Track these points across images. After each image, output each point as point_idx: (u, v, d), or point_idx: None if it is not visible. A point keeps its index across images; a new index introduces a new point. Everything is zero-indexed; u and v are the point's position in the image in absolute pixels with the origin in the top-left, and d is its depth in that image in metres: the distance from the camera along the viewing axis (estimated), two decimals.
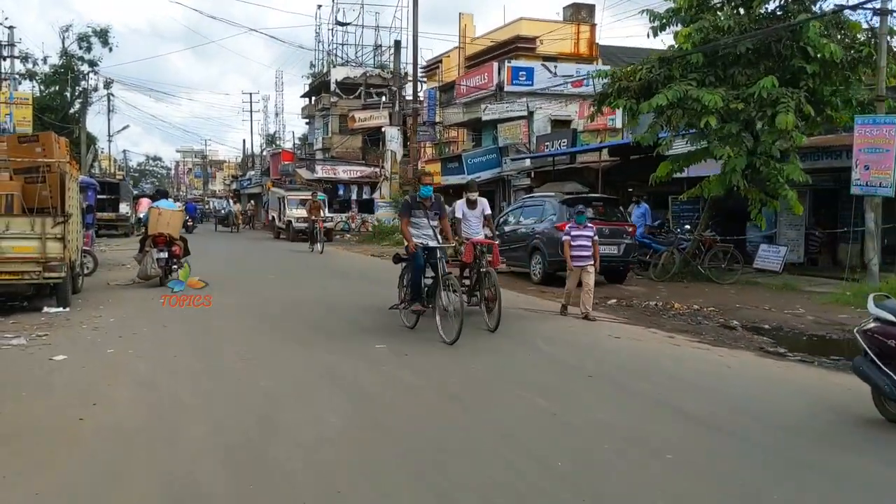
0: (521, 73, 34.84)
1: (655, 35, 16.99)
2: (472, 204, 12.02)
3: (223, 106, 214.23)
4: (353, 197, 40.36)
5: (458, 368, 8.16)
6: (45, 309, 11.87)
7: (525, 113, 34.18)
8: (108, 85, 43.50)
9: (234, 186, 64.30)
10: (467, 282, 11.01)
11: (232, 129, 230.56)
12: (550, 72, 34.87)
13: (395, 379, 7.65)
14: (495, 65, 35.27)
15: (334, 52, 65.35)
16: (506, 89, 34.95)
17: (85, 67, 40.65)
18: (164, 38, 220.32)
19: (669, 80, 16.05)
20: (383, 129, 31.56)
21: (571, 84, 35.23)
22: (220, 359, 8.58)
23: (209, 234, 38.53)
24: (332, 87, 60.37)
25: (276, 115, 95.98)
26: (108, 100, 50.49)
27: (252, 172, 62.99)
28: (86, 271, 16.67)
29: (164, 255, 15.21)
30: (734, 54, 15.84)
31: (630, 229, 16.57)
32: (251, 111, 70.79)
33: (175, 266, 15.24)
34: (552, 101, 35.10)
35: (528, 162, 33.14)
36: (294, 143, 60.68)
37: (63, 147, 12.88)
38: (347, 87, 59.71)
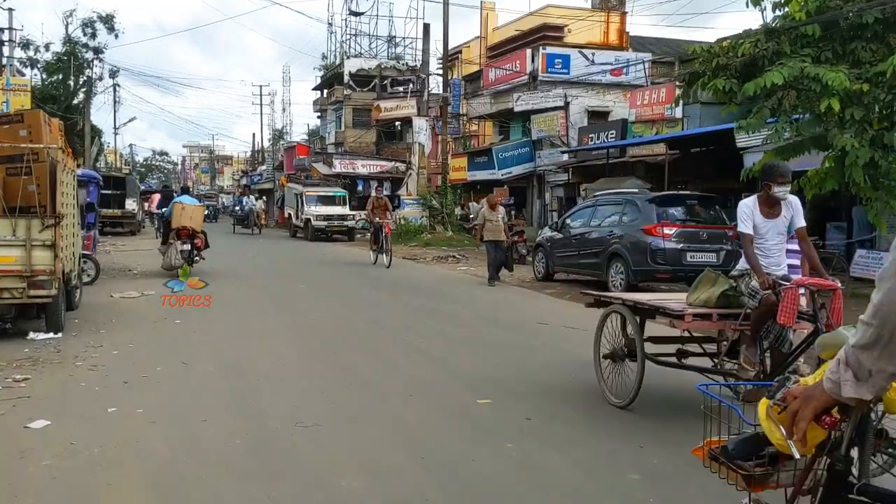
0: (556, 60, 32.17)
1: (756, 4, 14.32)
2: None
3: (231, 99, 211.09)
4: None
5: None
6: (31, 335, 9.25)
7: (562, 103, 31.53)
8: (113, 74, 40.95)
9: (244, 181, 61.66)
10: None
11: (239, 124, 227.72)
12: (588, 59, 32.22)
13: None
14: (528, 52, 32.60)
15: (347, 43, 62.80)
16: (540, 78, 32.28)
17: (90, 55, 38.06)
18: (169, 31, 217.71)
19: (778, 56, 13.39)
20: (411, 120, 28.93)
21: (610, 72, 32.63)
22: (266, 425, 5.93)
23: (226, 236, 32.11)
24: (346, 79, 57.80)
25: (283, 109, 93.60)
26: (114, 90, 47.88)
27: (263, 167, 60.33)
28: (86, 279, 14.13)
29: (188, 246, 15.94)
30: (858, 25, 13.20)
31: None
32: (261, 104, 68.24)
33: (197, 258, 16.32)
34: (590, 90, 32.47)
35: (565, 156, 30.52)
36: (310, 137, 58.02)
37: (55, 130, 10.26)
38: (361, 79, 57.13)
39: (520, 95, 32.05)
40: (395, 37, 63.25)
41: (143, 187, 69.53)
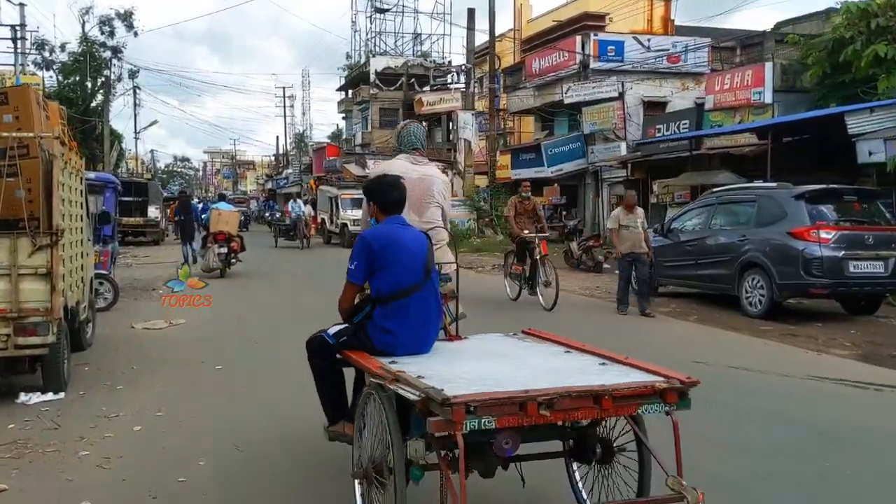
0: (609, 47, 29.29)
1: None
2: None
3: (251, 103, 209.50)
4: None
5: None
6: (22, 397, 6.60)
7: (616, 93, 28.67)
8: (133, 74, 38.47)
9: (269, 186, 59.22)
10: None
11: (260, 129, 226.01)
12: (643, 45, 29.31)
13: None
14: (578, 38, 29.74)
15: (372, 41, 60.25)
16: (592, 66, 29.43)
17: (107, 55, 35.59)
18: (187, 39, 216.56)
19: None
20: (453, 115, 26.31)
21: (667, 59, 29.74)
22: None
23: (268, 251, 26.43)
24: (372, 78, 55.22)
25: (304, 114, 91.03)
26: (134, 93, 45.48)
27: (289, 170, 57.78)
28: (101, 304, 11.54)
29: (224, 249, 16.94)
30: None
31: None
32: (284, 105, 65.79)
33: (233, 260, 17.55)
34: (645, 79, 29.59)
35: (622, 150, 27.66)
36: (332, 140, 55.45)
37: (55, 115, 7.60)
38: (388, 78, 54.60)
39: (570, 86, 29.22)
40: (420, 34, 60.73)
41: (166, 194, 67.53)
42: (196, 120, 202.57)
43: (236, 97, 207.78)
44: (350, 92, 62.69)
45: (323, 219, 31.30)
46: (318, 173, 42.81)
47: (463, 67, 25.33)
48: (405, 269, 4.06)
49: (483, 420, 2.98)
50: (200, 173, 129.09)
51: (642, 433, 3.55)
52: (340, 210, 28.56)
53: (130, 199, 29.64)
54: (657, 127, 23.75)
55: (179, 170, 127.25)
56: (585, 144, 29.62)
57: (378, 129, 52.59)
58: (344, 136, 62.99)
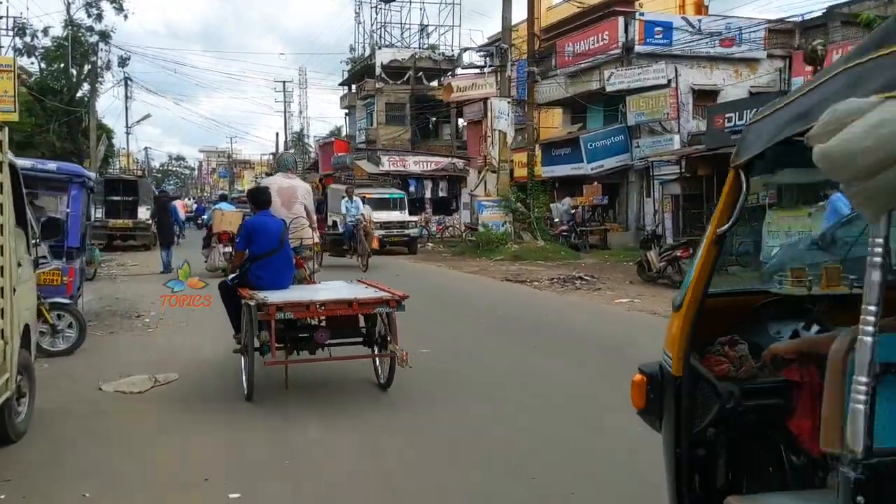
0: (656, 29, 25.83)
1: None
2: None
3: (248, 101, 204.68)
4: (427, 195, 31.55)
5: None
6: None
7: (665, 80, 25.24)
8: (123, 62, 34.70)
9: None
10: None
11: (257, 126, 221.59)
12: (693, 27, 25.86)
13: None
14: (621, 20, 26.26)
15: (378, 33, 56.69)
16: (637, 50, 25.97)
17: (95, 40, 31.85)
18: (181, 39, 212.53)
19: None
20: (489, 102, 22.80)
21: (720, 43, 26.32)
22: None
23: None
24: (378, 70, 51.76)
25: (300, 112, 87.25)
26: (126, 84, 41.71)
27: None
28: (62, 345, 8.10)
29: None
30: None
31: None
32: (284, 101, 62.25)
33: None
34: (695, 65, 26.18)
35: (675, 143, 24.23)
36: (346, 133, 51.71)
37: None
38: (394, 71, 51.20)
39: (613, 72, 25.75)
40: (427, 25, 57.21)
41: (158, 192, 63.83)
42: (192, 117, 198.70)
43: (233, 95, 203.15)
44: (354, 87, 59.15)
45: (334, 221, 27.64)
46: (325, 171, 39.19)
47: (498, 47, 21.81)
48: (267, 240, 7.14)
49: (286, 313, 6.22)
50: (196, 173, 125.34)
51: (385, 324, 6.69)
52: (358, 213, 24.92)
53: (119, 198, 26.14)
54: (727, 116, 20.27)
55: (175, 169, 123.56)
56: (629, 138, 26.20)
57: (384, 125, 49.09)
58: (345, 134, 59.41)
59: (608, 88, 25.91)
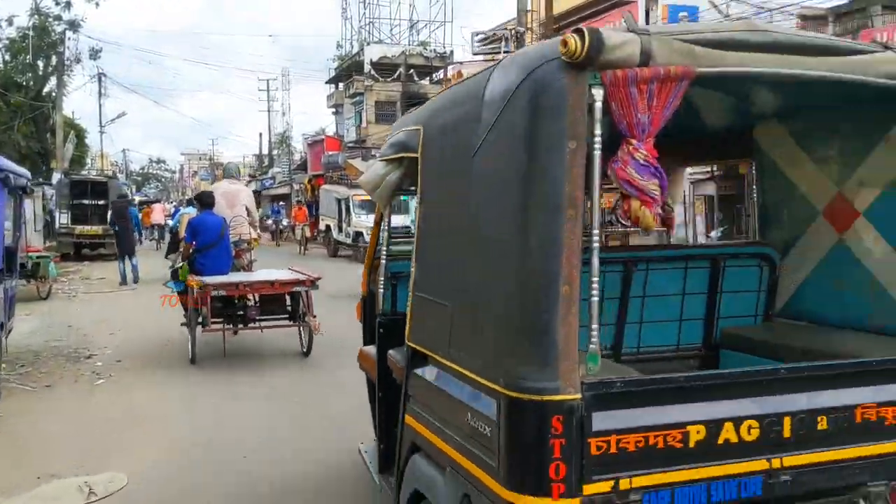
0: (681, 13, 23.33)
1: None
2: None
3: (230, 102, 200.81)
4: None
5: None
6: None
7: None
8: (94, 55, 31.64)
9: (253, 187, 52.59)
10: None
11: (239, 128, 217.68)
12: (720, 12, 23.37)
13: None
14: (641, 4, 23.74)
15: (366, 28, 54.03)
16: None
17: (64, 29, 28.79)
18: (164, 41, 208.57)
19: None
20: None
21: None
22: None
23: None
24: (367, 67, 49.16)
25: (283, 114, 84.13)
26: (99, 81, 38.75)
27: (276, 169, 51.10)
28: None
29: None
30: None
31: None
32: (268, 99, 59.27)
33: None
34: None
35: None
36: (336, 132, 49.00)
37: None
38: (384, 68, 48.64)
39: None
40: (417, 21, 54.57)
41: (139, 196, 60.26)
42: (173, 118, 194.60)
43: (215, 95, 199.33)
44: (342, 84, 56.35)
45: (328, 225, 24.91)
46: (315, 171, 36.35)
47: (511, 32, 19.21)
48: (209, 235, 8.52)
49: (220, 291, 7.79)
50: (177, 176, 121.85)
51: (302, 302, 8.29)
52: (353, 215, 22.24)
53: (86, 202, 23.22)
54: None
55: (155, 172, 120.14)
56: None
57: (374, 123, 46.25)
58: (334, 132, 56.56)
59: None
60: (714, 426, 2.31)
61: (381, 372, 3.68)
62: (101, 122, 41.04)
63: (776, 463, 2.37)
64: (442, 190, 2.85)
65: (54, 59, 28.74)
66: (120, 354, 8.61)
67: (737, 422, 2.33)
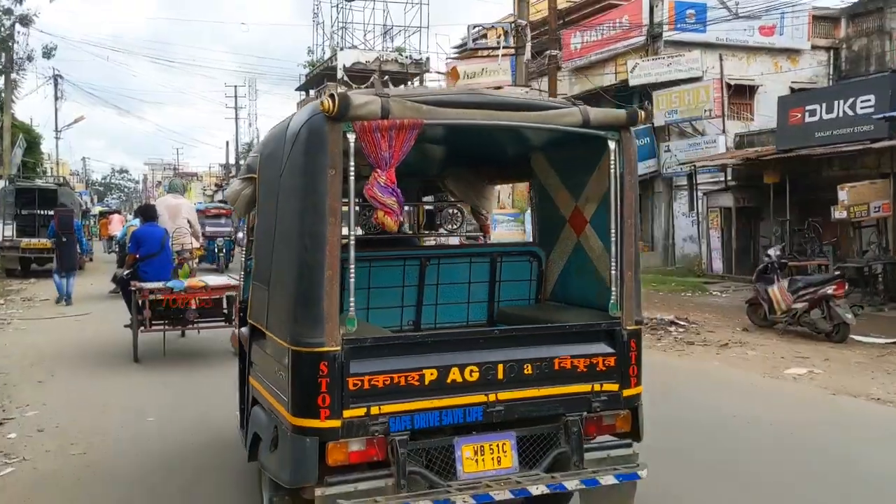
0: (688, 11, 21.49)
1: None
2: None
3: (196, 112, 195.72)
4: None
5: None
6: None
7: (699, 72, 20.96)
8: (48, 53, 28.77)
9: (219, 197, 49.86)
10: None
11: (205, 137, 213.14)
12: (730, 11, 21.59)
13: None
14: (645, 3, 21.85)
15: (339, 34, 51.81)
16: (666, 38, 21.61)
17: (11, 24, 26.09)
18: (127, 51, 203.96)
19: None
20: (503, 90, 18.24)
21: (759, 31, 22.14)
22: None
23: None
24: (340, 74, 46.86)
25: (250, 125, 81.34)
26: (55, 83, 35.94)
27: None
28: None
29: None
30: None
31: None
32: (236, 107, 56.76)
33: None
34: (730, 56, 21.92)
35: (720, 146, 19.91)
36: None
37: None
38: (357, 74, 46.41)
39: (637, 63, 21.32)
40: (392, 26, 52.44)
41: (99, 207, 57.00)
42: (136, 128, 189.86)
43: (180, 104, 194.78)
44: (312, 91, 54.00)
45: None
46: None
47: (512, 25, 17.14)
48: (151, 245, 9.13)
49: (157, 295, 8.60)
50: (141, 186, 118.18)
51: (227, 307, 8.93)
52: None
53: (34, 212, 20.64)
54: (808, 108, 15.86)
55: (118, 182, 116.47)
56: (655, 140, 21.79)
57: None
58: None
59: (632, 82, 21.48)
60: (443, 370, 3.27)
61: (240, 347, 4.59)
62: (56, 127, 38.18)
63: (492, 397, 3.33)
64: (267, 202, 3.72)
65: (3, 57, 26.03)
66: (45, 418, 6.29)
67: (461, 367, 3.29)
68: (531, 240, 5.06)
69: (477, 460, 3.33)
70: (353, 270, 3.07)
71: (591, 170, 3.89)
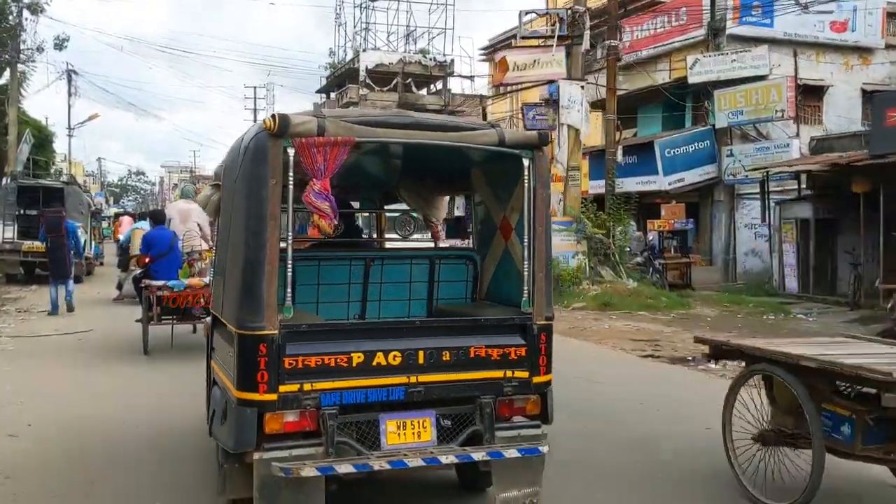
0: (754, 3, 19.50)
1: None
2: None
3: (213, 115, 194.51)
4: (455, 212, 24.85)
5: None
6: None
7: (766, 70, 18.96)
8: (60, 44, 26.85)
9: None
10: None
11: (222, 139, 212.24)
12: (799, 4, 19.54)
13: None
14: None
15: (361, 35, 50.03)
16: (730, 32, 19.61)
17: (20, 11, 24.30)
18: (144, 55, 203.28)
19: None
20: (557, 84, 16.05)
21: (830, 27, 20.11)
22: None
23: None
24: (362, 76, 45.18)
25: None
26: (69, 78, 34.26)
27: None
28: None
29: None
30: None
31: None
32: (255, 108, 55.03)
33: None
34: (800, 54, 19.93)
35: (793, 151, 17.89)
36: None
37: None
38: (380, 76, 44.75)
39: (697, 59, 19.32)
40: (416, 28, 50.66)
41: (115, 208, 55.25)
42: (154, 131, 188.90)
43: (198, 107, 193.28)
44: (332, 94, 52.26)
45: None
46: None
47: (568, 12, 15.20)
48: (161, 246, 9.71)
49: (164, 292, 9.12)
50: (157, 188, 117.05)
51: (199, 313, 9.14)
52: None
53: (38, 212, 18.80)
54: None
55: (134, 184, 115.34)
56: (716, 144, 19.77)
57: None
58: None
59: (691, 79, 19.47)
60: (370, 354, 3.65)
61: (208, 335, 4.96)
62: (69, 124, 36.45)
63: (413, 379, 3.70)
64: (226, 206, 4.26)
65: (9, 47, 24.27)
66: (7, 492, 4.40)
67: (386, 352, 3.67)
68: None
69: (399, 434, 3.73)
70: (290, 266, 3.52)
71: (514, 184, 4.14)
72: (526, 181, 3.89)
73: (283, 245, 3.54)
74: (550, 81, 17.11)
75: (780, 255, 17.23)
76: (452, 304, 4.98)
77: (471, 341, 3.83)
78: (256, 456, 3.46)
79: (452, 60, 46.27)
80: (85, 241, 18.75)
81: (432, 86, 46.93)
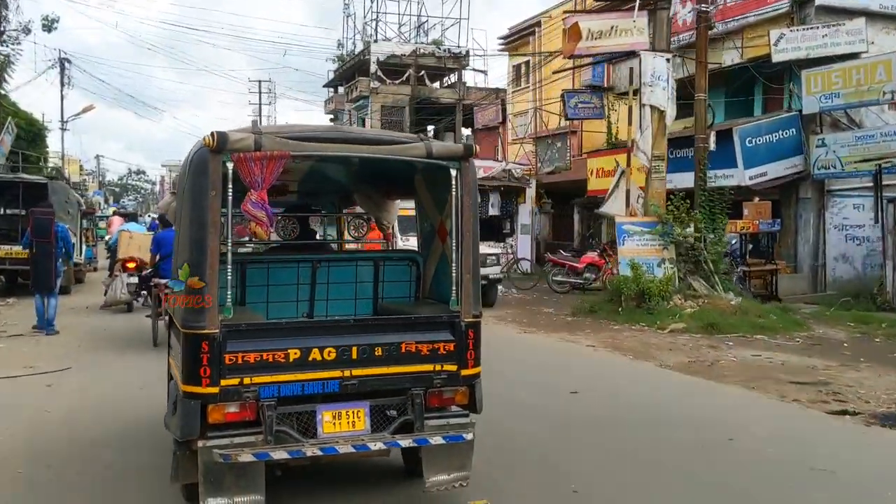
0: None
1: None
2: None
3: (215, 111, 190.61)
4: (490, 212, 21.99)
5: None
6: None
7: (862, 47, 16.14)
8: (49, 26, 23.93)
9: None
10: None
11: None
12: None
13: None
14: None
15: (371, 25, 47.25)
16: (819, 3, 16.76)
17: None
18: (144, 51, 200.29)
19: None
20: (639, 56, 13.20)
21: None
22: None
23: None
24: (373, 68, 42.55)
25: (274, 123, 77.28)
26: (61, 67, 31.35)
27: None
28: None
29: (135, 279, 13.17)
30: None
31: None
32: (259, 102, 52.26)
33: (145, 291, 12.87)
34: (890, 28, 17.14)
35: None
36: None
37: None
38: (392, 69, 42.15)
39: (782, 34, 16.46)
40: (428, 18, 47.93)
41: (114, 207, 52.24)
42: (155, 129, 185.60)
43: (199, 104, 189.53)
44: (341, 88, 49.42)
45: None
46: None
47: None
48: (169, 246, 9.04)
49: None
50: (158, 188, 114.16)
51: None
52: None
53: (18, 212, 15.94)
54: None
55: (134, 183, 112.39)
56: (803, 131, 16.93)
57: (380, 129, 39.27)
58: None
59: (776, 57, 16.59)
60: (305, 351, 3.91)
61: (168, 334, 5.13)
62: (62, 116, 33.53)
63: (347, 373, 3.97)
64: (180, 212, 4.32)
65: None
66: None
67: (321, 349, 3.95)
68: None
69: (335, 423, 4.06)
70: (230, 269, 3.85)
71: (448, 191, 4.31)
72: (453, 190, 4.20)
73: (223, 249, 3.89)
74: (631, 53, 14.26)
75: (893, 262, 14.38)
76: (396, 302, 5.22)
77: (403, 337, 4.15)
78: (200, 444, 3.79)
79: (468, 52, 43.53)
80: (74, 245, 15.92)
81: (446, 79, 44.23)
